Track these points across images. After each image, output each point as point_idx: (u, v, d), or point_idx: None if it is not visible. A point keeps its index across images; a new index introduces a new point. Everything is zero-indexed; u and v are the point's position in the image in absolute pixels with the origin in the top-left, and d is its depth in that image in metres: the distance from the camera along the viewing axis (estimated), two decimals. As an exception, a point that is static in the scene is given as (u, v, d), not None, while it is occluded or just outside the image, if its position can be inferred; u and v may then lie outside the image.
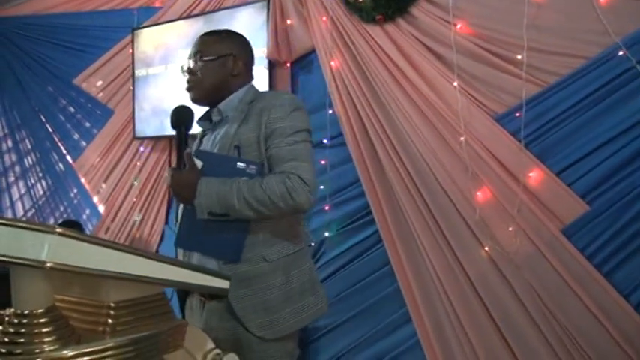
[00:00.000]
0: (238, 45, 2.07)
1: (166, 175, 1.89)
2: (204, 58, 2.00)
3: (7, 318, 1.12)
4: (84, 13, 5.43)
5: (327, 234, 3.54)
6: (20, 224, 1.04)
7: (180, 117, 1.95)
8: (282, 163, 1.84)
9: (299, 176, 1.80)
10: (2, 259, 1.02)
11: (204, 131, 2.11)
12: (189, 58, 2.05)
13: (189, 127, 1.97)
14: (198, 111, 2.03)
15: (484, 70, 2.98)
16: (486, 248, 2.92)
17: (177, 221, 2.02)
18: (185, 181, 1.84)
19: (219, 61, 2.01)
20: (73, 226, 4.48)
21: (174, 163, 1.92)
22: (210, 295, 1.95)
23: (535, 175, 2.79)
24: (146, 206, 4.78)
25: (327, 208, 3.53)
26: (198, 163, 1.88)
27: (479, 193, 2.94)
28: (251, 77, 2.11)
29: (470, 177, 2.96)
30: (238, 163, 1.86)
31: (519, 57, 2.83)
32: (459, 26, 3.04)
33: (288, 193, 1.77)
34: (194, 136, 2.13)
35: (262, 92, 2.05)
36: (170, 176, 1.87)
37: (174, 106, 1.97)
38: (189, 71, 2.04)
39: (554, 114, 2.77)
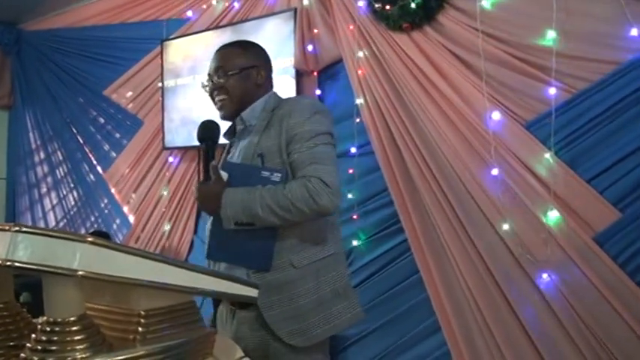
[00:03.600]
0: (258, 55, 2.09)
1: (194, 189, 1.91)
2: (229, 73, 2.01)
3: (39, 326, 1.14)
4: (114, 25, 5.50)
5: (355, 243, 3.52)
6: (52, 233, 1.06)
7: (207, 131, 1.97)
8: (303, 167, 1.84)
9: (320, 178, 1.79)
10: (35, 267, 1.04)
11: (231, 143, 2.12)
12: (213, 74, 2.05)
13: (215, 140, 1.98)
14: (224, 124, 2.04)
15: (513, 77, 2.95)
16: (517, 256, 2.89)
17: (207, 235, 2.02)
18: (211, 193, 1.85)
19: (243, 74, 2.01)
20: (101, 237, 4.52)
21: (202, 175, 1.93)
22: (240, 304, 1.95)
23: (566, 183, 2.75)
24: (175, 216, 4.80)
25: (355, 216, 3.52)
26: (224, 175, 1.88)
27: (509, 201, 2.91)
28: (272, 86, 2.12)
29: (499, 185, 2.93)
30: (263, 172, 1.87)
31: (548, 63, 2.80)
32: (486, 33, 3.01)
33: (311, 197, 1.76)
34: (223, 145, 2.14)
35: (285, 99, 2.05)
36: (197, 189, 1.89)
37: (202, 118, 1.99)
38: (218, 88, 2.04)
39: (584, 120, 2.74)
